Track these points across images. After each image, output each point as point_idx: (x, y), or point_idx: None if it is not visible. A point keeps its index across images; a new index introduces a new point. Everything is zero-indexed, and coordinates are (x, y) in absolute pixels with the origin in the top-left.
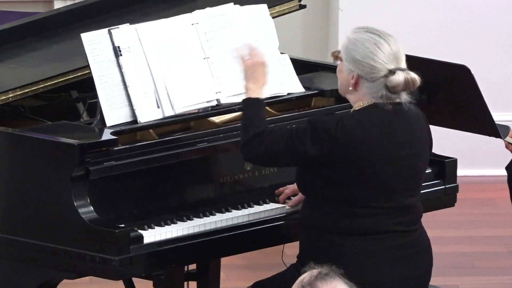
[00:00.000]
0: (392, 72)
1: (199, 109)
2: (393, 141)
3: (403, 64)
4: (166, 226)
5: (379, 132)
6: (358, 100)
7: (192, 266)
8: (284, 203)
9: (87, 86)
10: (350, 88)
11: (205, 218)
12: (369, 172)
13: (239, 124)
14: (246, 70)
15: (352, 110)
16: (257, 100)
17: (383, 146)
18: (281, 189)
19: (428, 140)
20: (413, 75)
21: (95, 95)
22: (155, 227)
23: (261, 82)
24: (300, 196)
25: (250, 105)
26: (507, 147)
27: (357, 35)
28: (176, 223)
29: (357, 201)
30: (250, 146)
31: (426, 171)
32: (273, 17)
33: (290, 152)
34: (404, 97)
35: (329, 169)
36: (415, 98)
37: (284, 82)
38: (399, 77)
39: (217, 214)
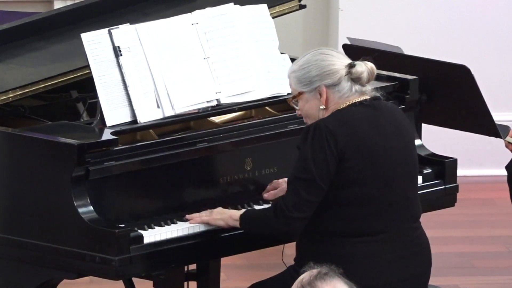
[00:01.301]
0: (351, 65)
1: (199, 109)
2: (382, 132)
3: None
4: (166, 226)
5: (367, 125)
6: (334, 109)
7: (192, 266)
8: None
9: (87, 86)
10: (322, 107)
11: None
12: (366, 166)
13: (239, 124)
14: (211, 220)
15: (332, 112)
16: (241, 216)
17: (373, 138)
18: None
19: (412, 130)
20: (371, 64)
21: (95, 95)
22: (155, 227)
23: (220, 212)
24: (279, 190)
25: (245, 220)
26: (507, 146)
27: (299, 63)
28: (176, 223)
29: (359, 200)
30: (287, 223)
31: (426, 171)
32: (273, 17)
33: (316, 193)
34: (374, 93)
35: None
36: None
37: (284, 82)
38: (361, 67)
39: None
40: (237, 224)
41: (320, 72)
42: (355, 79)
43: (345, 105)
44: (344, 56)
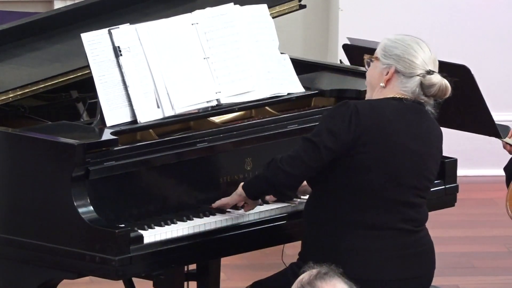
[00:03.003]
0: (430, 72)
1: (199, 109)
2: (408, 132)
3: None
4: (166, 226)
5: (396, 120)
6: (386, 94)
7: (192, 266)
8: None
9: (87, 86)
10: (382, 85)
11: (205, 218)
12: (380, 157)
13: (239, 124)
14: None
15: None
16: (245, 183)
17: (397, 133)
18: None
19: (440, 148)
20: (447, 83)
21: (95, 95)
22: (155, 227)
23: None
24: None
25: (249, 184)
26: (504, 147)
27: (397, 37)
28: (176, 223)
29: (365, 189)
30: (274, 172)
31: None
32: (273, 17)
33: (313, 156)
34: (431, 109)
35: (343, 155)
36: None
37: (284, 82)
38: (436, 78)
39: (217, 214)
40: (243, 192)
41: (400, 55)
42: (424, 85)
43: (391, 95)
44: (435, 62)
